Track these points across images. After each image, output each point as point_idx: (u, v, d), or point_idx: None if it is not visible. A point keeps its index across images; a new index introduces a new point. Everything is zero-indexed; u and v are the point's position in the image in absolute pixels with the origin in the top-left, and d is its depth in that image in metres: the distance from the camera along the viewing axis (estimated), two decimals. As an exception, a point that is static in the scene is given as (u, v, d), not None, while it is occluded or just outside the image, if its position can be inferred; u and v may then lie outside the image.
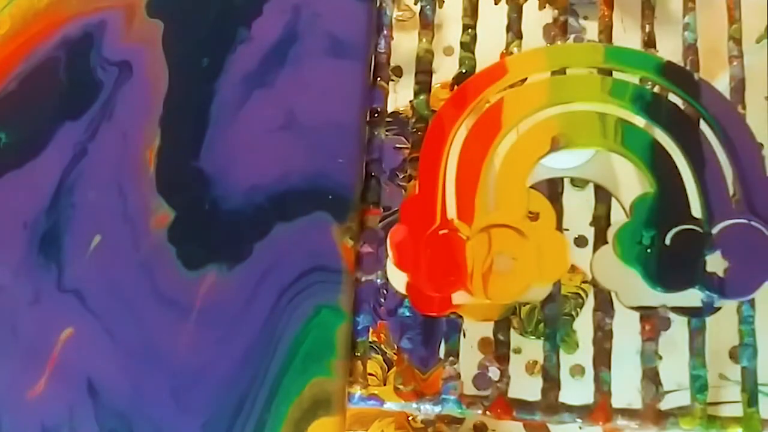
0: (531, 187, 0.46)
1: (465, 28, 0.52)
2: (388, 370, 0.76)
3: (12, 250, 0.47)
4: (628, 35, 0.57)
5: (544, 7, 0.53)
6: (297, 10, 0.51)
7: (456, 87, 0.49)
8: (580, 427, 0.45)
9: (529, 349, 0.76)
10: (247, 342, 0.44)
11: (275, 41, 0.51)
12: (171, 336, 0.45)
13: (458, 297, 0.44)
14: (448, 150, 0.46)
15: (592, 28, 0.78)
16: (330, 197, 0.47)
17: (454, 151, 0.46)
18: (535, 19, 0.56)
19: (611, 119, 0.46)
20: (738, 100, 0.48)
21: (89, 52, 0.51)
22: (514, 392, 0.45)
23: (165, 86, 0.50)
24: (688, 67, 0.49)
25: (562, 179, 0.48)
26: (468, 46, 0.51)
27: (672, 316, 0.45)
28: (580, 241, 0.72)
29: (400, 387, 0.45)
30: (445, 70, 0.74)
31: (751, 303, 0.45)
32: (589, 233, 0.47)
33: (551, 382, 0.44)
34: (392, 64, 0.53)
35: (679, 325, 0.45)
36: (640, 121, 0.46)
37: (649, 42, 0.50)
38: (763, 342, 0.45)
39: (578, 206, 0.51)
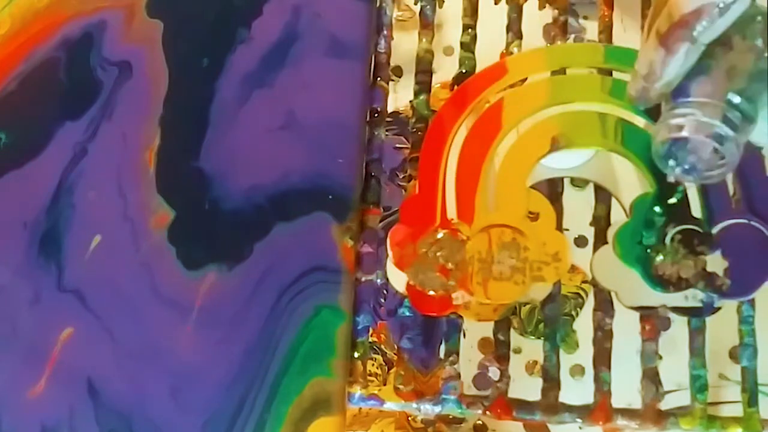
0: (531, 187, 0.46)
1: (465, 28, 0.52)
2: (388, 370, 0.76)
3: (12, 250, 0.47)
4: (628, 35, 0.57)
5: (544, 7, 0.53)
6: (297, 11, 0.51)
7: (456, 87, 0.49)
8: (580, 427, 0.45)
9: (529, 349, 0.76)
10: (247, 342, 0.44)
11: (275, 41, 0.51)
12: (171, 336, 0.45)
13: (458, 297, 0.44)
14: (448, 150, 0.46)
15: (592, 28, 0.78)
16: (330, 197, 0.47)
17: (454, 151, 0.46)
18: (535, 19, 0.56)
19: (611, 119, 0.46)
20: (738, 100, 0.48)
21: (89, 52, 0.51)
22: (514, 392, 0.45)
23: (165, 86, 0.50)
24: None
25: (562, 179, 0.48)
26: (468, 46, 0.51)
27: (672, 316, 0.45)
28: (580, 241, 0.72)
29: (400, 387, 0.45)
30: (445, 70, 0.74)
31: (751, 303, 0.45)
32: (589, 233, 0.47)
33: (551, 382, 0.44)
34: (392, 64, 0.52)
35: (679, 325, 0.45)
36: (640, 121, 0.46)
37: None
38: (763, 342, 0.45)
39: (578, 206, 0.51)
